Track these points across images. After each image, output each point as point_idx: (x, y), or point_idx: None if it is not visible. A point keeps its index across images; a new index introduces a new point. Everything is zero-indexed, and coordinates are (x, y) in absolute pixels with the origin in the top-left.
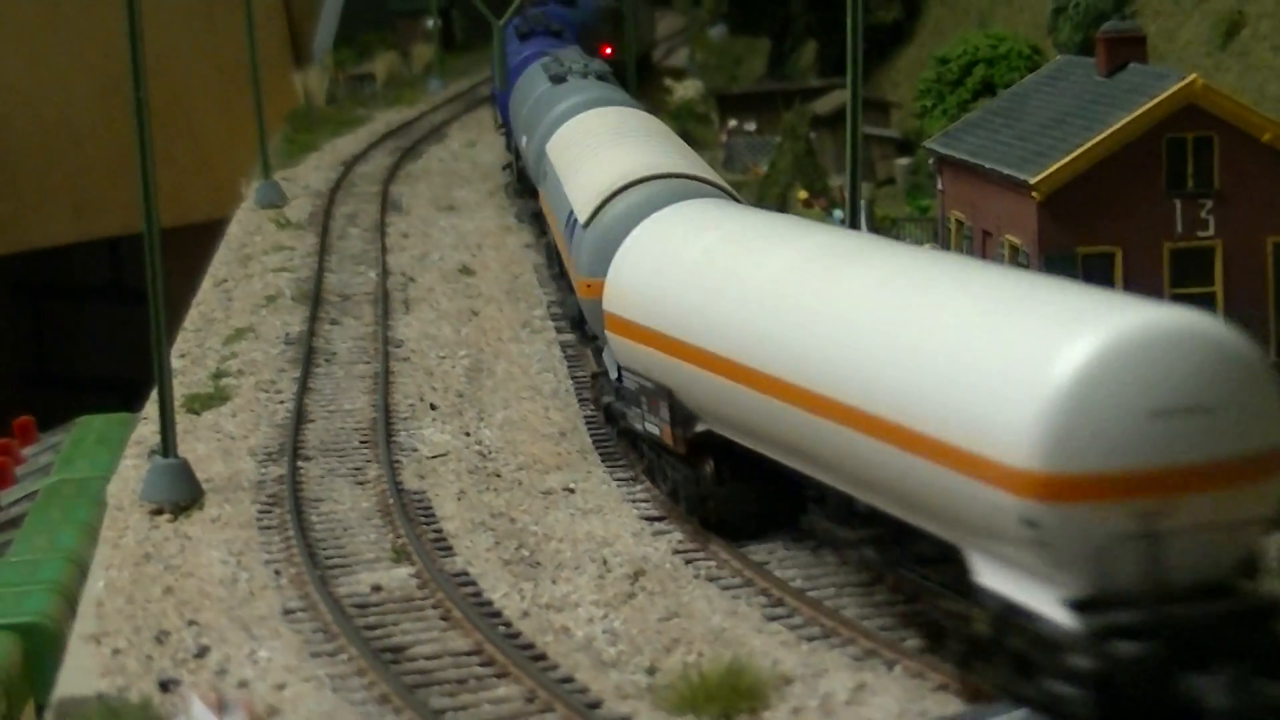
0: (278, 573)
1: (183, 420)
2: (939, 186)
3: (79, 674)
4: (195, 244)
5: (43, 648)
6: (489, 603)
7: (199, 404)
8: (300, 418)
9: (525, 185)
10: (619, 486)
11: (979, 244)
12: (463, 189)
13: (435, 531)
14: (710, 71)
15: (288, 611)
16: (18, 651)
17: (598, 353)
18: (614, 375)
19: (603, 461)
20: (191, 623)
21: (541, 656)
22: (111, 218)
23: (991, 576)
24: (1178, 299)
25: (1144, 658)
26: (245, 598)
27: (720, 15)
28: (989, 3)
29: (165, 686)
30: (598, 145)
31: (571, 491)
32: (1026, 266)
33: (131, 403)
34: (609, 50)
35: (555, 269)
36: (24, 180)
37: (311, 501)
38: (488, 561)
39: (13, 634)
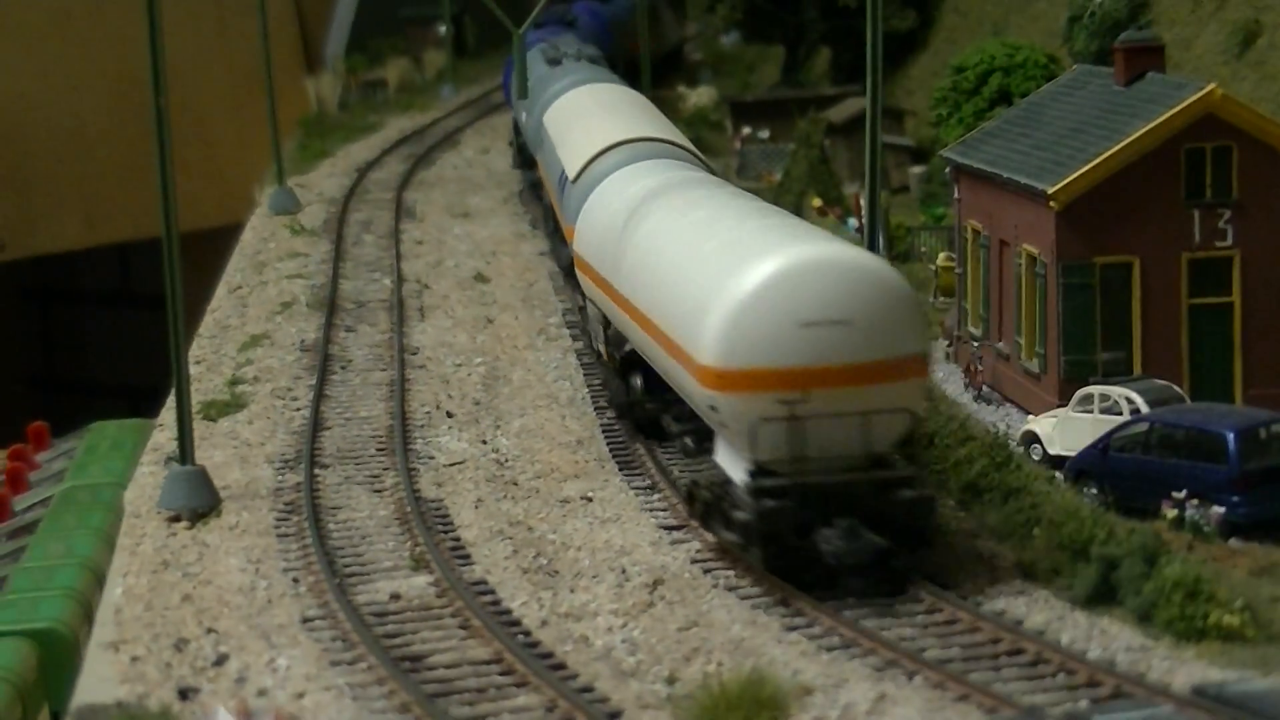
0: (296, 580)
1: (199, 427)
2: (955, 195)
3: (98, 681)
4: (208, 249)
5: (58, 654)
6: (508, 611)
7: (216, 411)
8: (317, 425)
9: (525, 157)
10: (637, 495)
11: (996, 253)
12: (476, 196)
13: (453, 540)
14: (723, 78)
15: (306, 620)
16: (33, 658)
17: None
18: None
19: (620, 470)
20: (210, 630)
21: (561, 666)
22: (122, 223)
23: (719, 454)
24: (1195, 309)
25: (783, 511)
26: (264, 605)
27: (734, 23)
28: (1003, 11)
29: (184, 695)
30: (587, 116)
31: (589, 500)
32: (1043, 278)
33: (141, 408)
34: (637, 47)
35: (550, 227)
36: (35, 186)
37: (329, 509)
38: (506, 570)
39: (28, 640)
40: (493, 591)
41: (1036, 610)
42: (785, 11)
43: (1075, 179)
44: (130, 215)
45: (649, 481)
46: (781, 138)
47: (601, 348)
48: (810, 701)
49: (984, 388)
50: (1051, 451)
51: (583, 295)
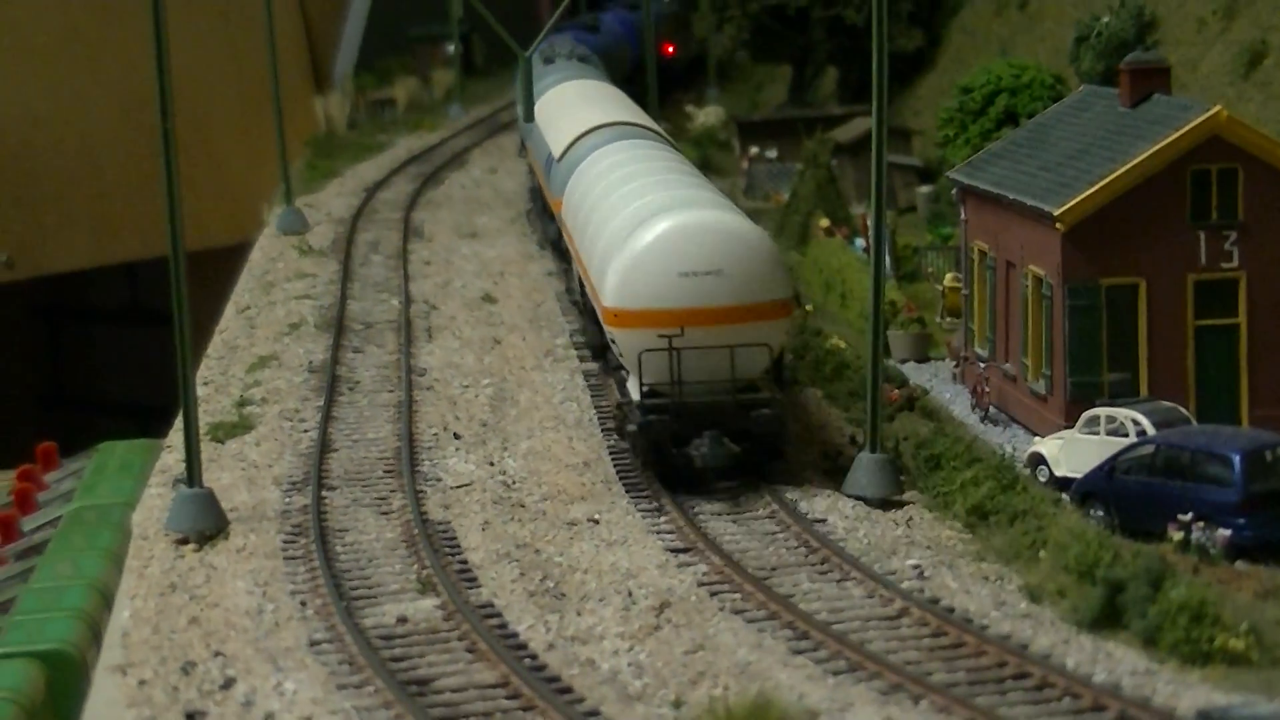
0: (304, 604)
1: (207, 448)
2: (962, 216)
3: (105, 705)
4: (215, 268)
5: (66, 675)
6: (515, 635)
7: (223, 432)
8: (324, 447)
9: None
10: (644, 518)
11: (1002, 274)
12: (484, 216)
13: (460, 562)
14: (730, 96)
15: (314, 643)
16: (41, 679)
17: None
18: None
19: (627, 492)
20: (218, 654)
21: (568, 689)
22: (131, 241)
23: (629, 384)
24: (1201, 331)
25: (663, 421)
26: (271, 629)
27: (741, 42)
28: (1010, 31)
29: (192, 718)
30: (571, 105)
31: (596, 522)
32: (1050, 299)
33: (148, 426)
34: (671, 49)
35: (538, 205)
36: (44, 204)
37: (336, 531)
38: (513, 593)
39: (36, 661)
40: (499, 614)
41: (1042, 633)
42: (793, 31)
43: (1081, 200)
44: (139, 233)
45: (656, 504)
46: (789, 157)
47: (579, 298)
48: None
49: (990, 408)
50: (1058, 473)
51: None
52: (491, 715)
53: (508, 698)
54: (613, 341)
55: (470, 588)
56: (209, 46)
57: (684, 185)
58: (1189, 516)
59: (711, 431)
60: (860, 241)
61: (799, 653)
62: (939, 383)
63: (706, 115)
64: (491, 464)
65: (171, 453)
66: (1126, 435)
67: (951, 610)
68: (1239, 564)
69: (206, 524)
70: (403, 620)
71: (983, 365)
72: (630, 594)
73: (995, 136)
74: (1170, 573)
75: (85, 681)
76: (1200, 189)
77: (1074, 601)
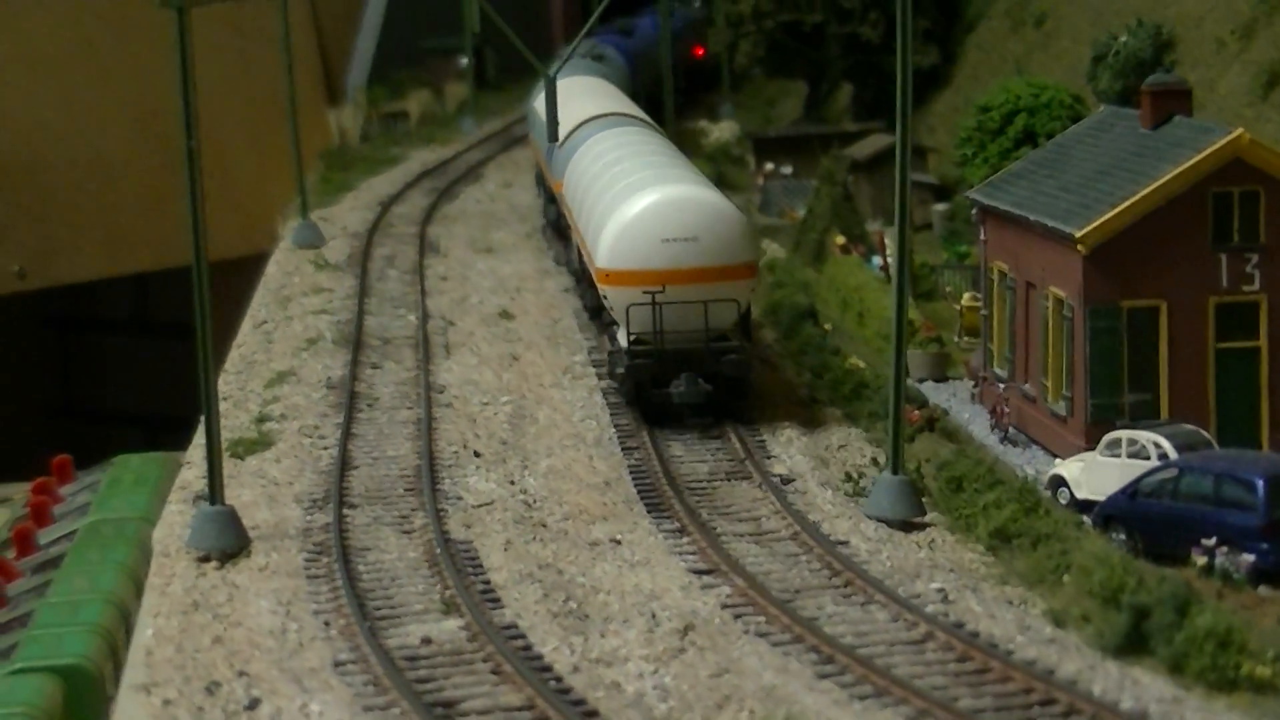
0: (327, 624)
1: (227, 465)
2: (981, 236)
3: None
4: (227, 280)
5: (83, 690)
6: (539, 656)
7: (243, 449)
8: (344, 464)
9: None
10: (665, 538)
11: (1022, 295)
12: (500, 231)
13: (483, 583)
14: (744, 111)
15: (338, 663)
16: (58, 694)
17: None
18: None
19: (649, 512)
20: (242, 674)
21: (594, 713)
22: (143, 253)
23: (619, 334)
24: (1222, 354)
25: (646, 364)
26: (295, 649)
27: (757, 58)
28: (1026, 49)
29: None
30: (571, 98)
31: (618, 543)
32: (1070, 320)
33: (159, 437)
34: (701, 51)
35: (541, 190)
36: (56, 216)
37: (358, 550)
38: (536, 614)
39: (53, 676)
40: (523, 636)
41: (1068, 659)
42: (808, 47)
43: (1103, 223)
44: (151, 246)
45: (678, 525)
46: (804, 173)
47: (578, 267)
48: None
49: (1010, 429)
50: (1079, 495)
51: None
52: None
53: None
54: (604, 298)
55: (494, 608)
56: (221, 58)
57: (666, 165)
58: (1212, 541)
59: (687, 373)
60: (877, 260)
61: (825, 677)
62: (957, 403)
63: (721, 131)
64: (512, 482)
65: (191, 468)
66: (1148, 458)
67: (976, 634)
68: (1262, 589)
69: (228, 542)
70: (427, 641)
71: (1002, 386)
72: (654, 616)
73: (1014, 156)
74: (1196, 599)
75: (102, 697)
76: (1222, 211)
77: (1099, 627)
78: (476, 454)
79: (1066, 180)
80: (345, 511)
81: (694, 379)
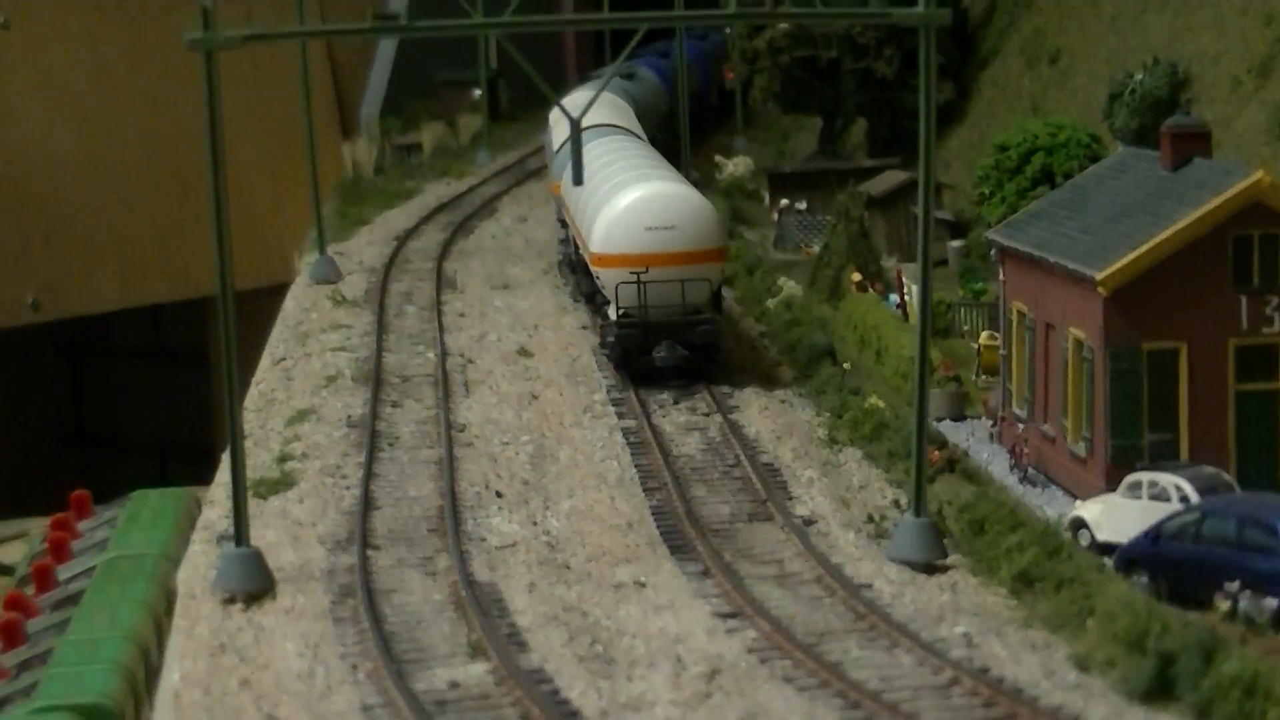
0: (355, 667)
1: (250, 504)
2: (1000, 277)
3: None
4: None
5: None
6: (566, 701)
7: (266, 489)
8: (367, 504)
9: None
10: (690, 581)
11: (1041, 335)
12: (516, 266)
13: (509, 625)
14: (758, 145)
15: (366, 707)
16: None
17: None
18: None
19: (672, 554)
20: (270, 717)
21: None
22: (158, 284)
23: (609, 309)
24: (1242, 395)
25: (632, 334)
26: (323, 692)
27: (772, 93)
28: (1041, 86)
29: None
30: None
31: (642, 585)
32: (1091, 362)
33: (170, 464)
34: (731, 75)
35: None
36: (72, 246)
37: (384, 592)
38: (563, 658)
39: (75, 715)
40: (550, 680)
41: (1094, 705)
42: (823, 83)
43: (1124, 265)
44: (166, 276)
45: (702, 567)
46: (819, 209)
47: (574, 256)
48: None
49: (1029, 469)
50: (1100, 538)
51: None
52: None
53: None
54: (597, 278)
55: (520, 652)
56: (236, 89)
57: (648, 167)
58: (1236, 585)
59: (667, 341)
60: (894, 297)
61: None
62: (976, 442)
63: (736, 166)
64: (535, 523)
65: (214, 508)
66: (1169, 500)
67: (1001, 680)
68: None
69: (254, 584)
70: (454, 685)
71: (1021, 426)
72: (680, 659)
73: (1031, 195)
74: (1222, 645)
75: None
76: (1242, 254)
77: (1124, 672)
78: (498, 494)
79: (1086, 221)
80: (369, 552)
81: (673, 345)
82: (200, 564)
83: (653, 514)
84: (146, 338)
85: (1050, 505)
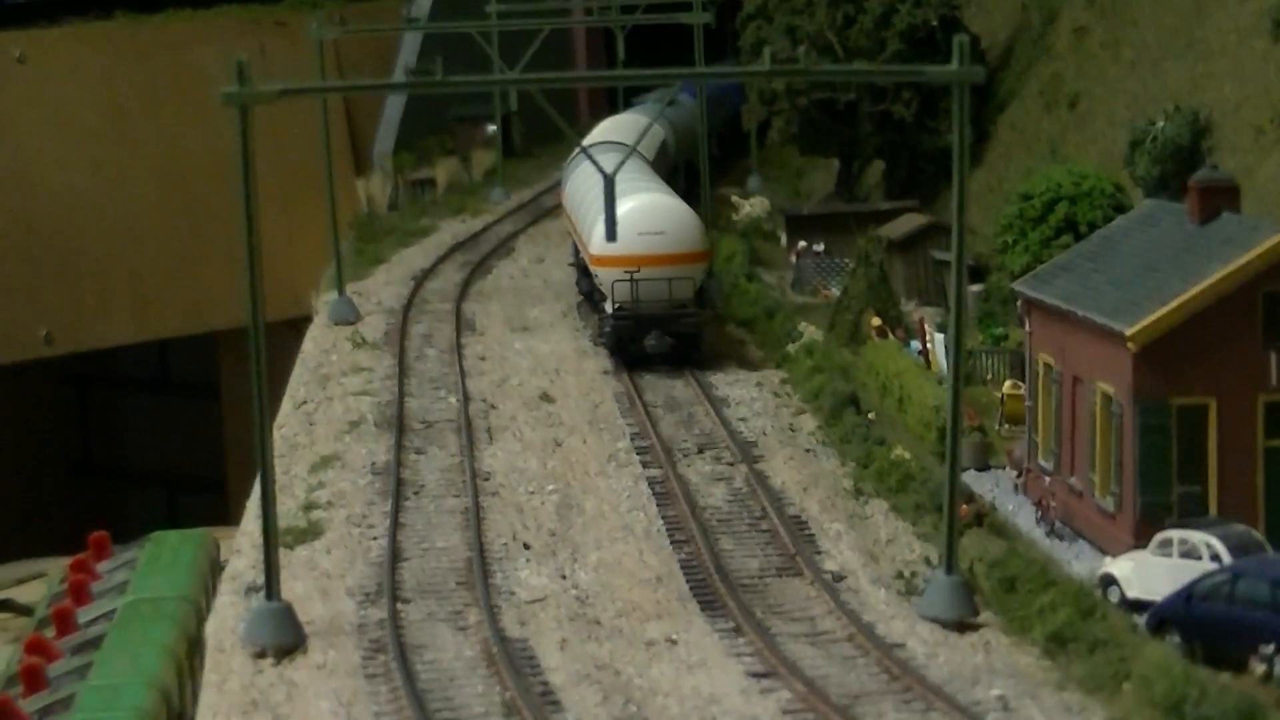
0: None
1: None
2: (1026, 328)
3: None
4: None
5: None
6: None
7: (293, 538)
8: (395, 556)
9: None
10: (721, 638)
11: (1068, 388)
12: (535, 308)
13: (542, 684)
14: (773, 184)
15: None
16: None
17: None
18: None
19: (702, 610)
20: None
21: None
22: (170, 319)
23: (606, 304)
24: (1272, 452)
25: (626, 325)
26: None
27: (790, 135)
28: (1059, 129)
29: None
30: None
31: (674, 643)
32: (1119, 416)
33: (177, 496)
34: None
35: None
36: (85, 282)
37: (415, 648)
38: (597, 718)
39: None
40: None
41: None
42: (841, 125)
43: (1154, 321)
44: (178, 310)
45: (733, 624)
46: (837, 251)
47: (575, 260)
48: None
49: (1056, 523)
50: (1130, 595)
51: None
52: None
53: None
54: (595, 276)
55: (554, 712)
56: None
57: (641, 180)
58: (1270, 648)
59: (656, 331)
60: (915, 344)
61: None
62: (1001, 493)
63: (752, 206)
64: (564, 577)
65: (240, 557)
66: (1200, 558)
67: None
68: None
69: (284, 638)
70: None
71: (1048, 479)
72: None
73: (1055, 244)
74: (1259, 712)
75: None
76: (1272, 310)
77: None
78: (526, 545)
79: (1114, 274)
80: (399, 606)
81: (661, 335)
82: (229, 616)
83: (681, 568)
84: (154, 370)
85: (1078, 560)
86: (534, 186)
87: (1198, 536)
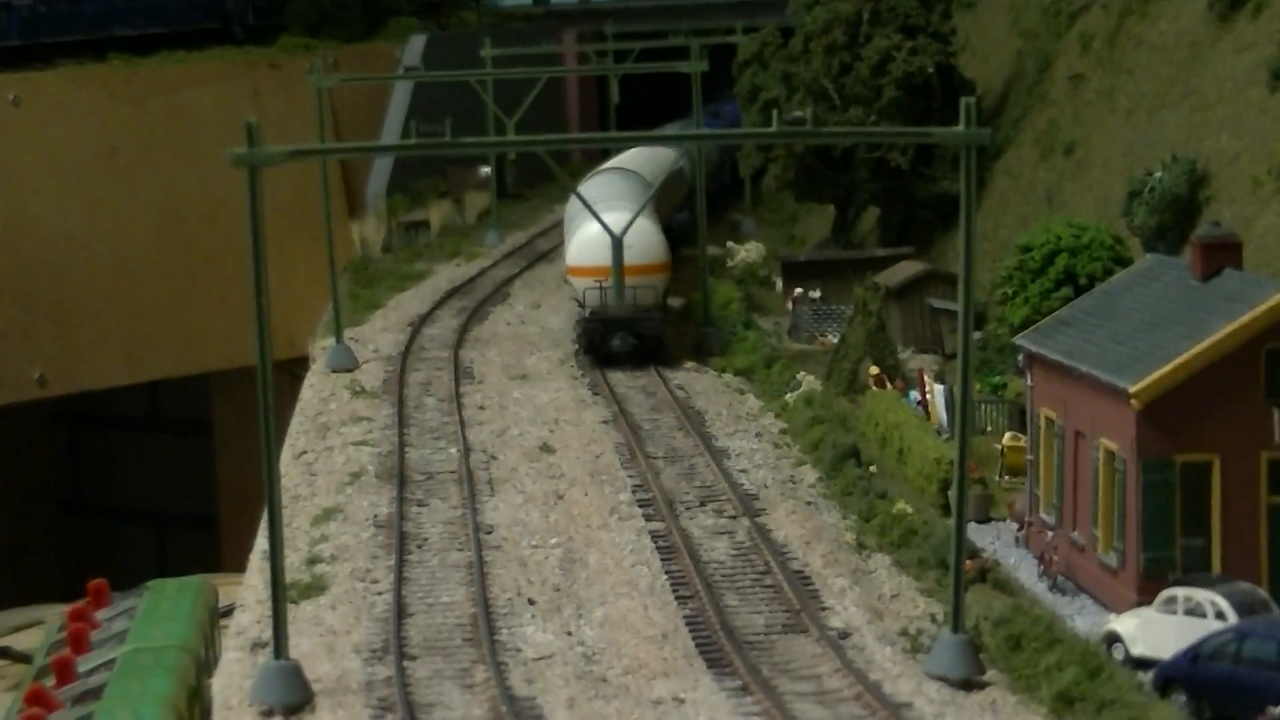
0: None
1: None
2: (1028, 382)
3: None
4: (245, 386)
5: None
6: None
7: (297, 593)
8: (400, 612)
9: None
10: (729, 697)
11: (1071, 443)
12: (533, 356)
13: None
14: (767, 228)
15: None
16: None
17: None
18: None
19: (709, 668)
20: None
21: None
22: (163, 360)
23: (580, 310)
24: (1276, 509)
25: (597, 326)
26: None
27: (786, 182)
28: (1056, 177)
29: None
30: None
31: (681, 702)
32: (1123, 473)
33: (168, 534)
34: None
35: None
36: (78, 322)
37: (423, 707)
38: None
39: None
40: None
41: None
42: (837, 172)
43: (1158, 378)
44: (171, 352)
45: (740, 683)
46: (833, 298)
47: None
48: None
49: (1059, 578)
50: (1134, 652)
51: None
52: None
53: None
54: (570, 284)
55: None
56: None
57: (617, 199)
58: (1278, 710)
59: (622, 332)
60: (914, 395)
61: None
62: (1002, 545)
63: (747, 252)
64: (569, 633)
65: (245, 612)
66: (1205, 616)
67: None
68: None
69: (292, 696)
70: None
71: (1050, 533)
72: None
73: (1055, 296)
74: None
75: None
76: (1275, 367)
77: None
78: (531, 601)
79: (1116, 330)
80: (405, 663)
81: (626, 336)
82: (235, 672)
83: (687, 624)
84: (145, 408)
85: (1081, 615)
86: (528, 229)
87: (1203, 594)
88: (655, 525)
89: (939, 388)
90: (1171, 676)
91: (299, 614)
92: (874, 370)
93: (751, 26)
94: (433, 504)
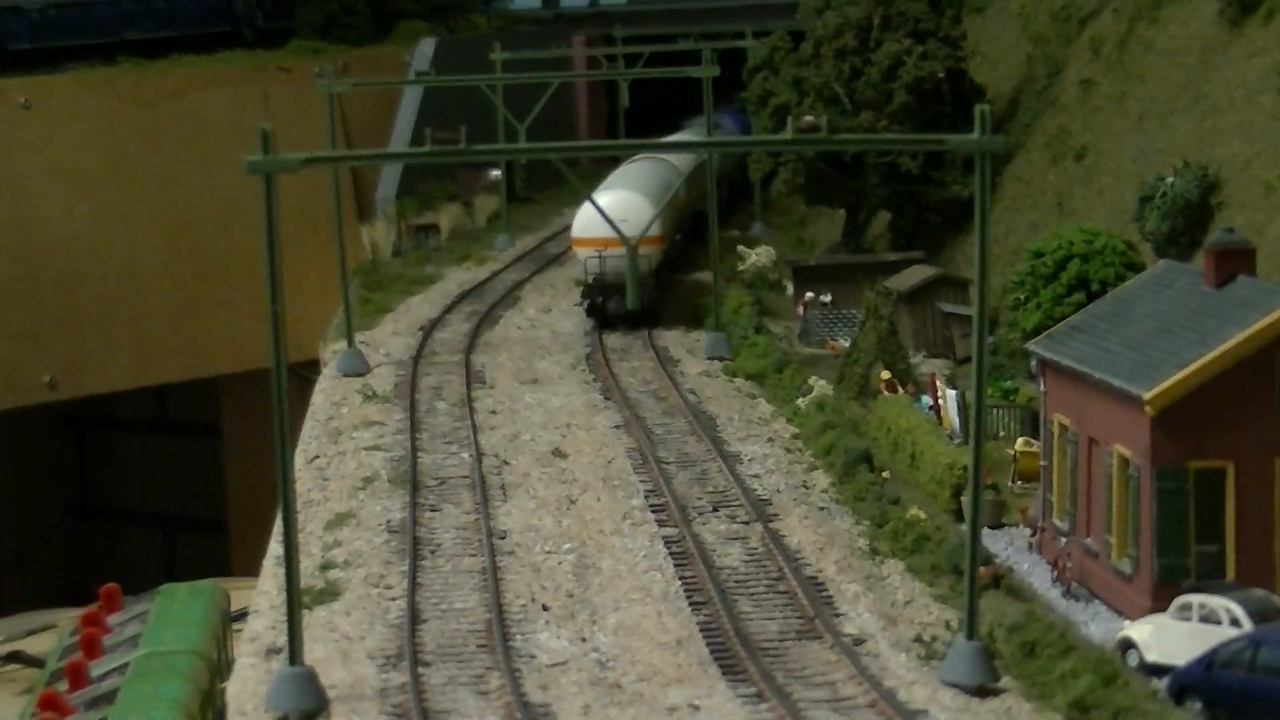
0: None
1: None
2: (1041, 388)
3: None
4: (253, 389)
5: None
6: None
7: (311, 599)
8: (414, 618)
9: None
10: (744, 704)
11: (1084, 449)
12: (544, 360)
13: None
14: (776, 231)
15: None
16: None
17: None
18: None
19: (723, 675)
20: None
21: None
22: (172, 363)
23: (584, 276)
24: None
25: (594, 291)
26: None
27: (796, 186)
28: (1066, 182)
29: None
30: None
31: (696, 709)
32: (1136, 480)
33: (174, 536)
34: None
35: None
36: (87, 327)
37: (438, 713)
38: None
39: None
40: None
41: None
42: (847, 177)
43: (1171, 385)
44: (179, 356)
45: (755, 690)
46: (844, 302)
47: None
48: None
49: (1072, 584)
50: (1149, 659)
51: None
52: None
53: None
54: (574, 253)
55: None
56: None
57: (619, 178)
58: None
59: (617, 296)
60: (926, 400)
61: None
62: (1014, 551)
63: (758, 256)
64: (583, 640)
65: (259, 618)
66: (1220, 623)
67: None
68: None
69: (307, 703)
70: None
71: (1063, 539)
72: None
73: (1066, 301)
74: None
75: None
76: None
77: None
78: (545, 607)
79: (1129, 337)
80: (420, 670)
81: (621, 301)
82: (249, 678)
83: (701, 630)
84: (152, 410)
85: (1095, 621)
86: (538, 233)
87: (1217, 601)
88: (668, 531)
89: (951, 393)
90: (1186, 684)
91: (313, 619)
92: (885, 375)
93: (761, 31)
94: (445, 509)
